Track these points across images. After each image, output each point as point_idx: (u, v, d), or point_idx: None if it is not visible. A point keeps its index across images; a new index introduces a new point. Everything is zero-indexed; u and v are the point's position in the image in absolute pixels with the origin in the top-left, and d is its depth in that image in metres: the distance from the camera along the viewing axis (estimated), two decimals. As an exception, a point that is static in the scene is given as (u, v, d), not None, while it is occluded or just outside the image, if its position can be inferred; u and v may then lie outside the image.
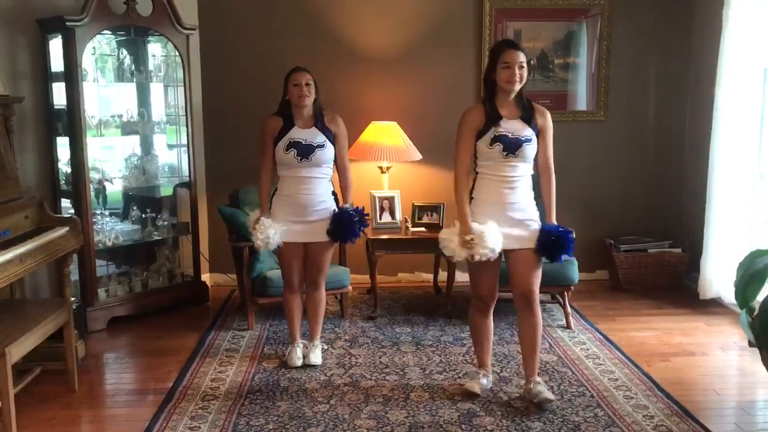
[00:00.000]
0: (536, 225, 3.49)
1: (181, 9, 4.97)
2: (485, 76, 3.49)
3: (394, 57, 5.59)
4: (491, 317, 3.70)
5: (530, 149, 3.43)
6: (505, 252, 3.48)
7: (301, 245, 4.02)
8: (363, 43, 5.59)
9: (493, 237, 3.37)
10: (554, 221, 3.54)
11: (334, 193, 4.06)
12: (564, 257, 3.50)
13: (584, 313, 5.02)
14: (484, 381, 3.71)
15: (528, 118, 3.45)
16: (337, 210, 4.00)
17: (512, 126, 3.42)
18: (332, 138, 3.99)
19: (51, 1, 4.68)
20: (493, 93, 3.46)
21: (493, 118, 3.42)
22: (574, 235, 3.50)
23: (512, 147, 3.39)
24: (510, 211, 3.45)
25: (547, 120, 3.50)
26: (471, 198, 3.52)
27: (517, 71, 3.35)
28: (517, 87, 3.39)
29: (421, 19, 5.58)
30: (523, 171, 3.46)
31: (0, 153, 3.82)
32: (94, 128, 4.81)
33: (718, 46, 4.91)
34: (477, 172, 3.52)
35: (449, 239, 3.48)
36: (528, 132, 3.43)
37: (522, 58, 3.37)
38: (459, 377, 3.93)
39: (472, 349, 4.35)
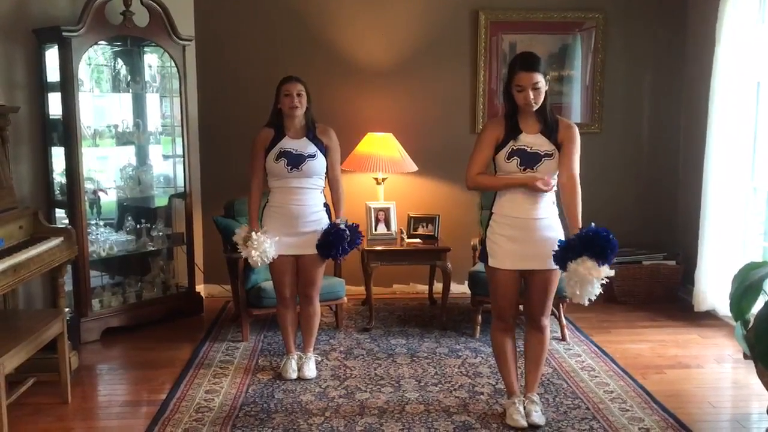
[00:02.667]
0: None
1: (177, 20, 4.97)
2: (504, 89, 3.35)
3: (390, 69, 5.61)
4: (513, 335, 3.53)
5: (551, 164, 3.30)
6: (525, 272, 3.39)
7: (293, 258, 4.00)
8: (359, 55, 5.61)
9: None
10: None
11: (326, 205, 4.04)
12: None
13: (579, 325, 5.02)
14: (521, 408, 3.48)
15: (549, 132, 3.31)
16: (329, 224, 3.98)
17: (532, 140, 3.30)
18: (324, 150, 3.98)
19: (47, 12, 4.68)
20: (514, 106, 3.32)
21: (512, 132, 3.32)
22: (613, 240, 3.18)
23: (530, 162, 3.29)
24: (531, 228, 3.33)
25: (571, 132, 3.32)
26: (491, 213, 3.44)
27: (530, 93, 3.22)
28: (535, 107, 3.28)
29: (416, 31, 5.60)
30: None
31: (-5, 163, 3.82)
32: (89, 138, 4.81)
33: (712, 60, 4.94)
34: None
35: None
36: (549, 147, 3.30)
37: (536, 78, 3.21)
38: (454, 389, 3.92)
39: (457, 364, 4.34)
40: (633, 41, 5.71)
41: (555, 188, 3.39)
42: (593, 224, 3.20)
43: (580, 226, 3.29)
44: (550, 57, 5.64)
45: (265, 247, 3.84)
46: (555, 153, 3.32)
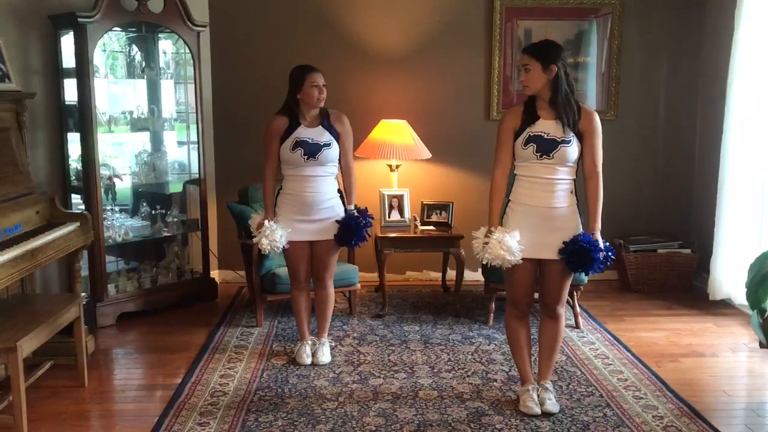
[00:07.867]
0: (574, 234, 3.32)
1: (192, 6, 4.97)
2: None
3: (404, 55, 5.59)
4: (528, 322, 3.54)
5: (568, 152, 3.27)
6: (540, 261, 3.37)
7: (308, 244, 4.03)
8: (373, 41, 5.59)
9: (509, 247, 3.24)
10: (597, 233, 3.32)
11: (340, 191, 4.06)
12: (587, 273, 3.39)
13: (593, 313, 5.01)
14: (535, 396, 3.48)
15: (568, 119, 3.29)
16: (343, 215, 4.00)
17: (549, 127, 3.29)
18: (338, 137, 3.98)
19: (63, -2, 4.70)
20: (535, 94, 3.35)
21: (530, 118, 3.32)
22: (611, 255, 3.32)
23: (547, 148, 3.26)
24: (546, 217, 3.31)
25: (592, 122, 3.31)
26: (508, 200, 3.42)
27: (523, 74, 3.30)
28: (527, 90, 3.31)
29: (431, 17, 5.57)
30: (561, 175, 3.30)
31: (12, 148, 3.84)
32: (104, 124, 4.83)
33: (730, 46, 4.88)
34: (515, 174, 3.40)
35: (477, 238, 3.37)
36: (567, 133, 3.28)
37: (525, 60, 3.28)
38: (468, 375, 3.92)
39: (474, 351, 4.34)
40: (649, 27, 5.65)
41: (574, 177, 3.37)
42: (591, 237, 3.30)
43: (599, 225, 3.35)
44: (566, 43, 5.57)
45: (276, 236, 3.87)
46: (573, 140, 3.30)
